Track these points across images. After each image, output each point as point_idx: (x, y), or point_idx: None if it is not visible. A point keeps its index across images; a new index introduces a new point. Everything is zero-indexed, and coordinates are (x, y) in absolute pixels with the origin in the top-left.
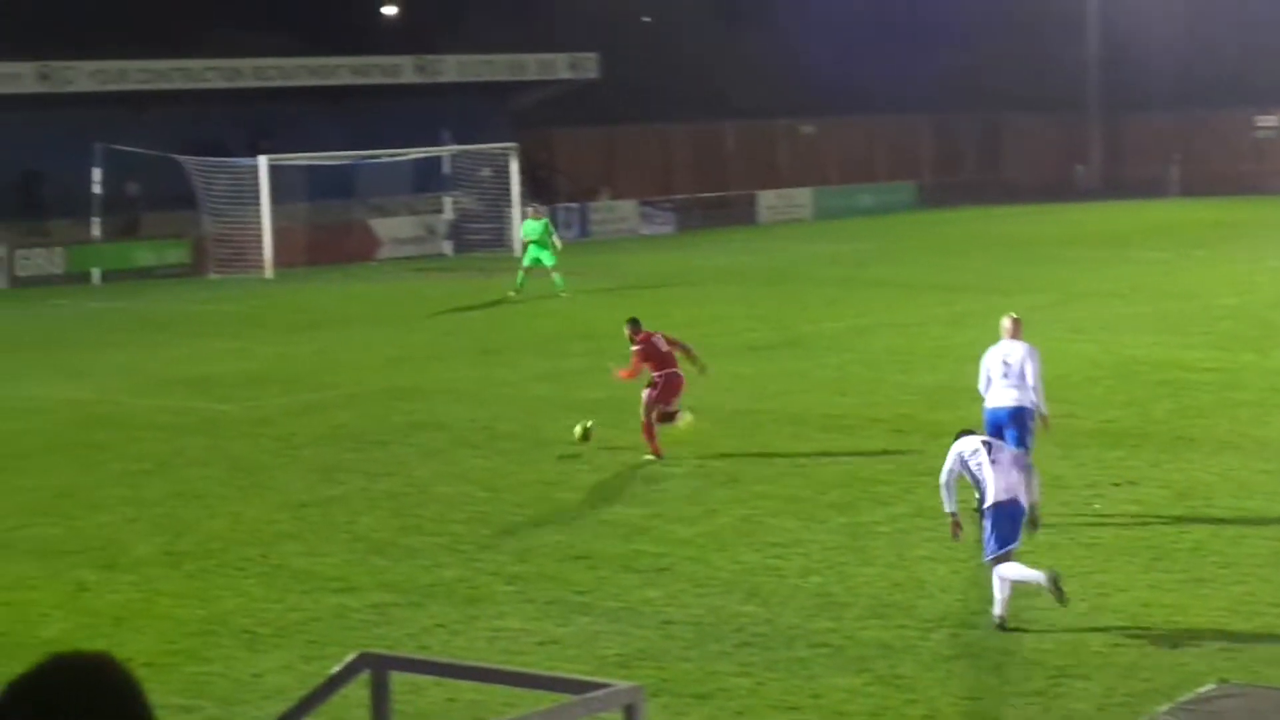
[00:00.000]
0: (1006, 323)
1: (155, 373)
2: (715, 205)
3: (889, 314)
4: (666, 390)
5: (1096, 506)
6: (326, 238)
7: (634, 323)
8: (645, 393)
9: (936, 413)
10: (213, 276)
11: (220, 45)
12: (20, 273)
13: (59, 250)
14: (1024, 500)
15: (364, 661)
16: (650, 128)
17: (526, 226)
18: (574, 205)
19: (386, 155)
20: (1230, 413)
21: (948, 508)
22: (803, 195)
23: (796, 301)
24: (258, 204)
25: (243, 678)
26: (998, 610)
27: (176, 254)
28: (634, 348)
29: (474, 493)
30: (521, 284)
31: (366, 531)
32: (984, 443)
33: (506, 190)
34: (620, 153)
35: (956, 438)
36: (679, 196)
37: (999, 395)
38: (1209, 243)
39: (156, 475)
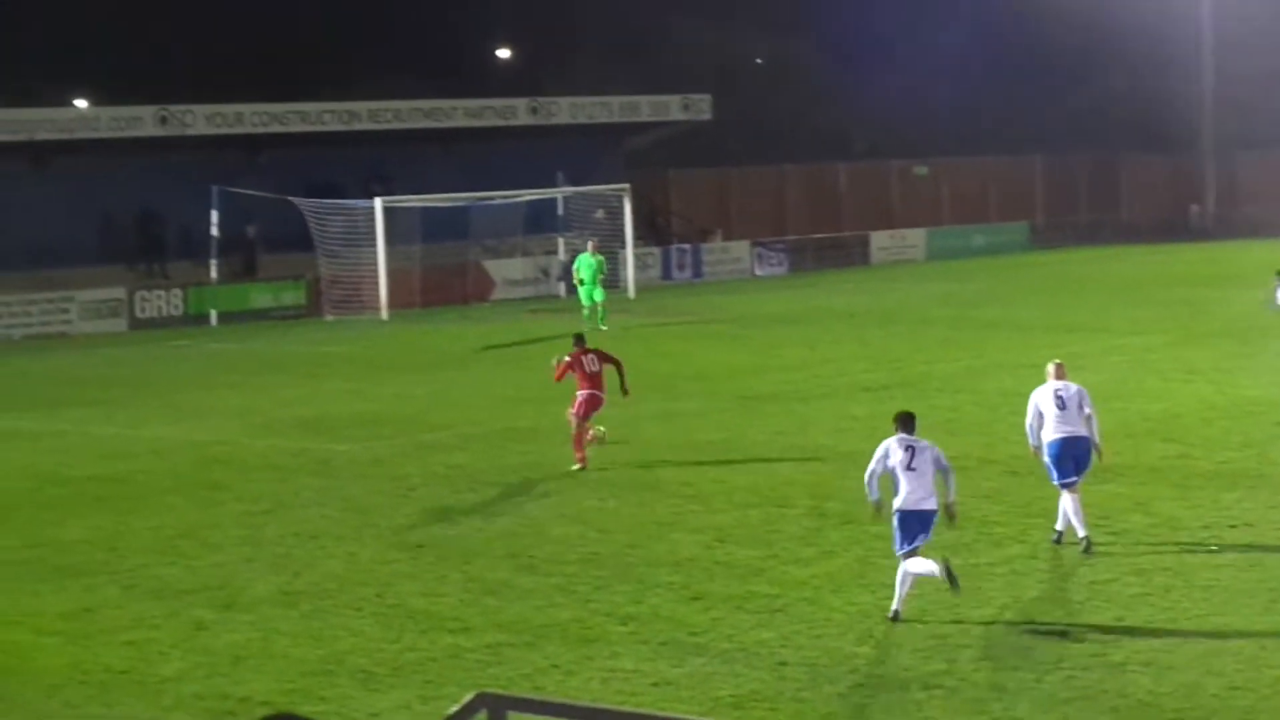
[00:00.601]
0: (1051, 368)
1: (271, 414)
2: (828, 246)
3: (1002, 355)
4: (585, 407)
5: (1213, 548)
6: (441, 279)
7: (579, 339)
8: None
9: None
10: (328, 318)
11: (335, 88)
12: (140, 314)
13: (177, 292)
14: (935, 504)
15: (481, 701)
16: (763, 169)
17: (583, 261)
18: (687, 246)
19: (500, 197)
20: None
21: (871, 497)
22: (916, 236)
23: (909, 342)
24: (373, 246)
25: (359, 717)
26: (895, 604)
27: (292, 295)
28: (565, 358)
29: (588, 533)
30: (603, 316)
31: (481, 572)
32: (906, 447)
33: (620, 231)
34: (733, 194)
35: (894, 421)
36: (792, 237)
37: (1057, 429)
38: None
39: (273, 515)
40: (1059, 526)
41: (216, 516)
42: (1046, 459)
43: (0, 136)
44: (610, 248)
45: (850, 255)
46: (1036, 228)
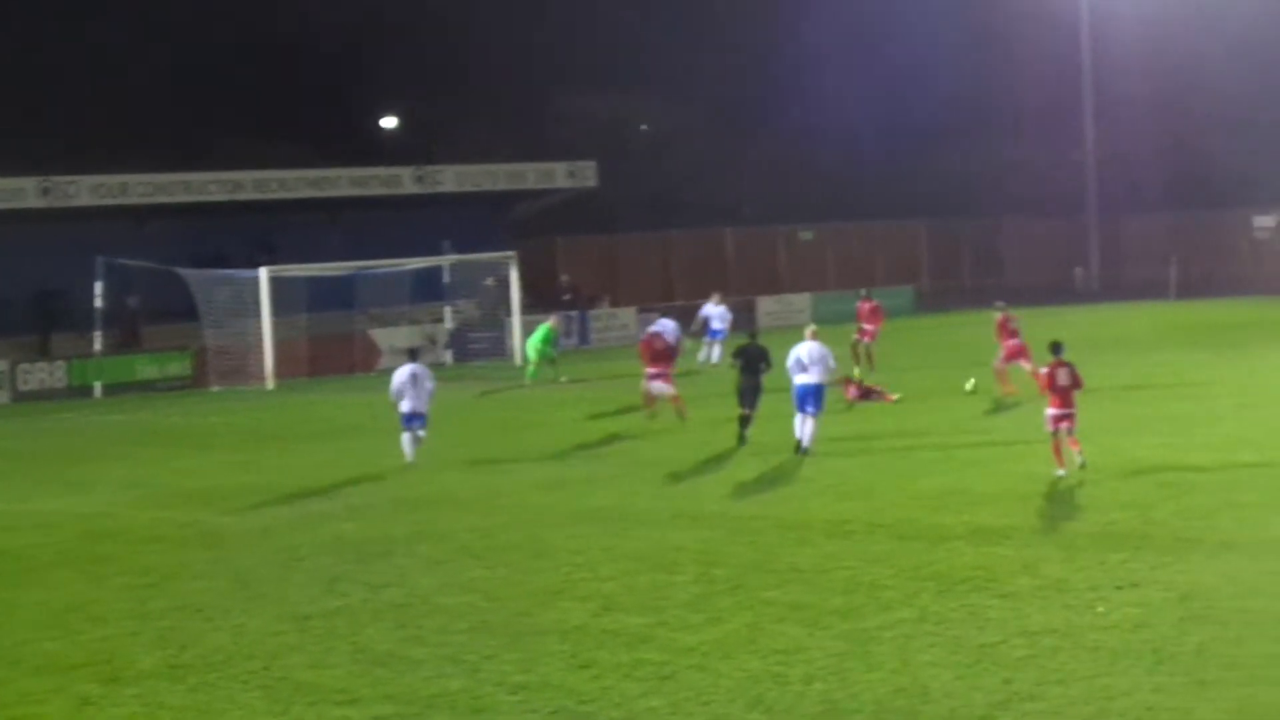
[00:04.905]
0: (808, 332)
1: (158, 485)
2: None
3: (886, 421)
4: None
5: (1100, 609)
6: (328, 349)
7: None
8: None
9: (939, 516)
10: (214, 389)
11: (221, 158)
12: (23, 386)
13: (60, 364)
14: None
15: None
16: (650, 235)
17: (546, 332)
18: (573, 313)
19: (386, 265)
20: (1233, 514)
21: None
22: (802, 300)
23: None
24: (259, 316)
25: None
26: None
27: (178, 366)
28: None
29: (477, 602)
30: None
31: (369, 643)
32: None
33: (506, 299)
34: (620, 260)
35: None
36: (679, 303)
37: (809, 376)
38: (1209, 344)
39: (160, 588)
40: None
41: (103, 590)
42: (795, 397)
43: None
44: (496, 315)
45: (737, 320)
46: (922, 292)
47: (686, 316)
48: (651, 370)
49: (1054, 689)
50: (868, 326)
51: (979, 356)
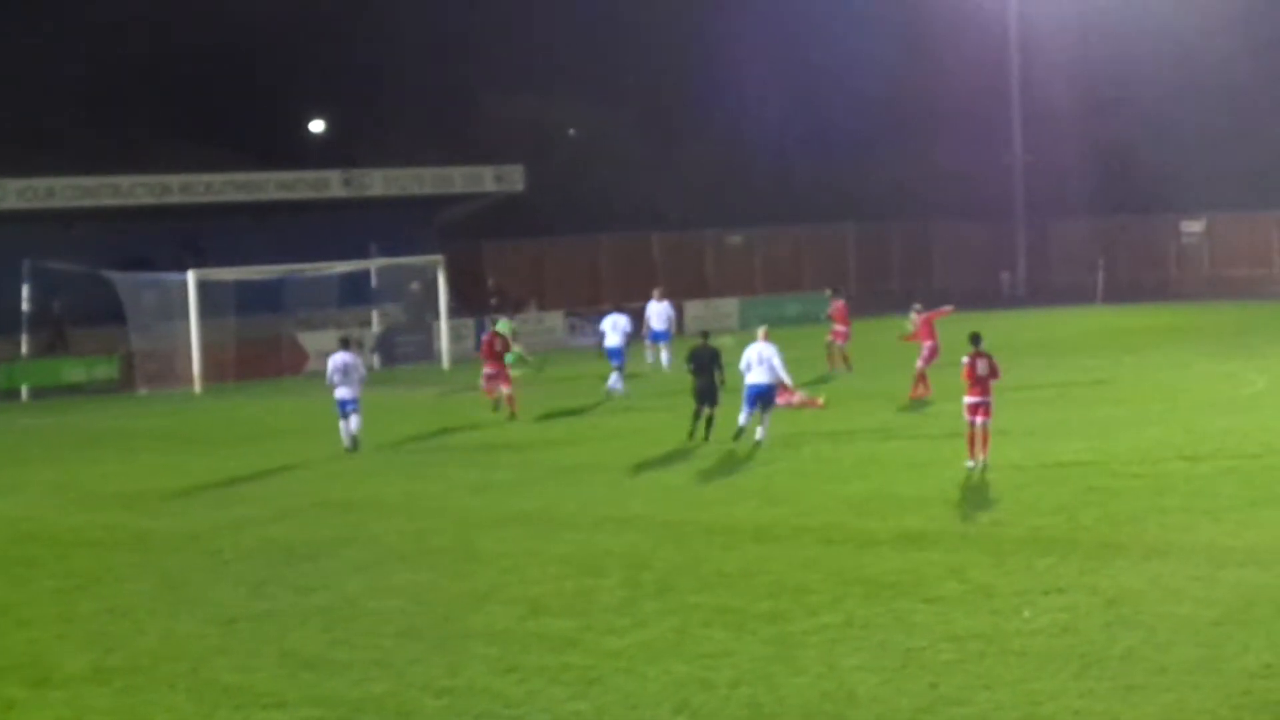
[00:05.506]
0: (760, 331)
1: (85, 488)
2: (642, 315)
3: (815, 423)
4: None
5: (1026, 614)
6: (255, 352)
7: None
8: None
9: (866, 520)
10: (141, 392)
11: (147, 161)
12: None
13: None
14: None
15: None
16: (578, 239)
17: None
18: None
19: (313, 269)
20: (1159, 519)
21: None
22: (729, 305)
23: (723, 410)
24: (186, 319)
25: None
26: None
27: (105, 370)
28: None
29: (404, 606)
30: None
31: (296, 646)
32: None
33: (433, 303)
34: (548, 264)
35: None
36: (605, 307)
37: (756, 376)
38: (1135, 349)
39: (87, 591)
40: (751, 431)
41: (29, 593)
42: (745, 395)
43: None
44: (423, 319)
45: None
46: (849, 296)
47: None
48: (488, 370)
49: (981, 694)
50: (840, 327)
51: (907, 361)
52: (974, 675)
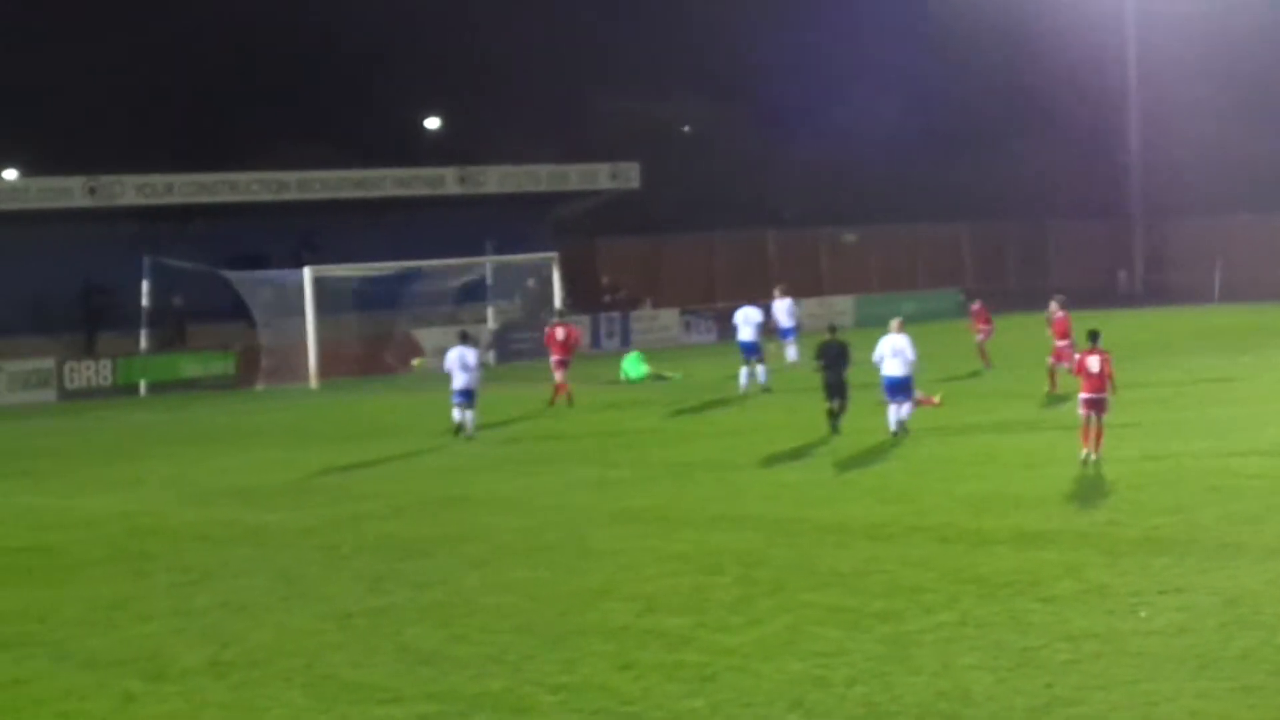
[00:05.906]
0: (894, 323)
1: (202, 484)
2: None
3: (930, 420)
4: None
5: (1142, 614)
6: (371, 348)
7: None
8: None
9: (981, 519)
10: (258, 388)
11: (265, 158)
12: (70, 385)
13: (106, 363)
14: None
15: None
16: (692, 236)
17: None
18: (616, 314)
19: (430, 266)
20: (1278, 519)
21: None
22: (844, 303)
23: None
24: (303, 315)
25: None
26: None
27: (221, 365)
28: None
29: (520, 603)
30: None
31: (413, 641)
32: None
33: (549, 299)
34: (662, 261)
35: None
36: (721, 305)
37: (891, 368)
38: (1255, 348)
39: (203, 585)
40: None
41: (147, 587)
42: (883, 389)
43: None
44: (538, 316)
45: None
46: (967, 294)
47: (725, 318)
48: (556, 357)
49: (1096, 694)
50: (982, 326)
51: (1025, 359)
52: (1089, 675)
